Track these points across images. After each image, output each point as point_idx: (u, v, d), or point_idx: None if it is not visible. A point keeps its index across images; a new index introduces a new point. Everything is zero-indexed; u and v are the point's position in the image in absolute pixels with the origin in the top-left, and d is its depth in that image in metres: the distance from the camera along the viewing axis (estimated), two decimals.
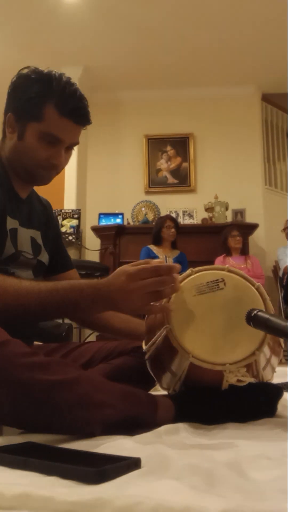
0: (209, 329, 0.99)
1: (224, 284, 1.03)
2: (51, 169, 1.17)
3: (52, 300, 1.00)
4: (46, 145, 1.13)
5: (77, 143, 1.19)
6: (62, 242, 1.43)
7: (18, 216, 1.21)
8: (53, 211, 1.42)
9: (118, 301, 0.98)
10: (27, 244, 1.24)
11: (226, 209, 5.08)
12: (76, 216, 4.93)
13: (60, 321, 1.83)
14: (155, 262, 0.99)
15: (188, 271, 1.06)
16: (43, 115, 1.10)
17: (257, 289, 1.03)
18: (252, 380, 1.00)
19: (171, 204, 5.35)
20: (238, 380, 0.98)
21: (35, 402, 0.82)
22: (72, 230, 4.84)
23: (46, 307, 1.01)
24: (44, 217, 1.34)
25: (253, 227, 5.03)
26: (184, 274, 1.07)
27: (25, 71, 1.15)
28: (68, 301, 1.01)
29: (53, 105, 1.10)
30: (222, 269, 1.05)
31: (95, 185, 5.36)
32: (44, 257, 1.30)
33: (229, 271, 1.05)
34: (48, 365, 0.85)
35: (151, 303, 1.00)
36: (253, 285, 1.03)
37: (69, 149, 1.18)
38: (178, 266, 0.99)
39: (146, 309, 1.01)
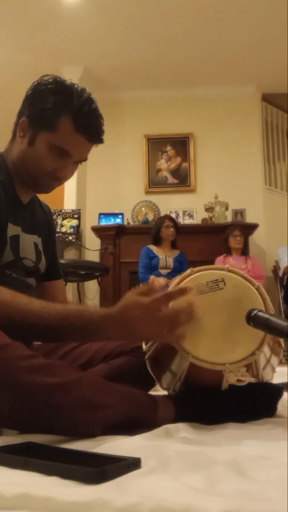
0: (209, 329, 0.99)
1: (224, 284, 1.03)
2: (55, 180, 1.16)
3: (60, 325, 0.97)
4: (54, 156, 1.11)
5: (85, 159, 1.17)
6: (56, 251, 1.41)
7: (21, 222, 1.20)
8: (53, 211, 1.42)
9: (133, 331, 0.96)
10: (31, 250, 1.23)
11: (226, 209, 5.08)
12: (76, 216, 4.93)
13: None
14: (159, 283, 0.99)
15: (188, 271, 1.06)
16: (57, 127, 1.09)
17: (257, 289, 1.03)
18: (252, 380, 1.00)
19: (171, 204, 5.35)
20: (238, 380, 0.98)
21: (35, 404, 0.83)
22: (72, 230, 4.84)
23: (53, 331, 0.98)
24: (45, 223, 1.33)
25: (253, 227, 5.03)
26: (184, 274, 1.07)
27: (47, 78, 1.13)
28: (76, 329, 0.97)
29: (69, 119, 1.08)
30: (222, 269, 1.05)
31: (95, 185, 5.36)
32: (42, 264, 1.29)
33: (229, 271, 1.05)
34: (48, 368, 0.85)
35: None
36: (253, 285, 1.03)
37: (76, 163, 1.17)
38: (190, 288, 0.98)
39: (162, 337, 0.98)
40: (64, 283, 1.46)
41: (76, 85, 1.12)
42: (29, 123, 1.13)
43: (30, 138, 1.13)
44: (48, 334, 1.00)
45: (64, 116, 1.08)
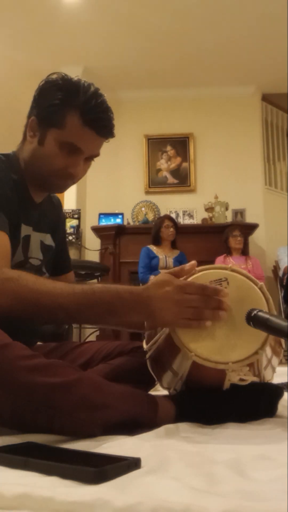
0: (211, 328, 0.99)
1: (227, 283, 1.02)
2: (67, 178, 1.15)
3: (87, 301, 0.96)
4: (65, 153, 1.11)
5: (97, 155, 1.16)
6: (66, 243, 1.42)
7: (32, 221, 1.21)
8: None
9: (156, 310, 0.94)
10: (36, 248, 1.23)
11: (226, 209, 5.08)
12: (76, 216, 4.93)
13: None
14: (192, 265, 0.99)
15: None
16: (65, 123, 1.08)
17: (260, 288, 1.02)
18: (255, 379, 1.00)
19: (171, 204, 5.35)
20: (241, 379, 0.98)
21: (35, 404, 0.83)
22: (72, 230, 4.85)
23: (81, 308, 0.97)
24: (54, 217, 1.33)
25: (253, 227, 5.03)
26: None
27: (54, 76, 1.12)
28: (103, 303, 0.96)
29: (77, 114, 1.08)
30: (225, 269, 1.05)
31: (95, 185, 5.36)
32: (50, 259, 1.29)
33: (232, 270, 1.04)
34: (48, 368, 0.85)
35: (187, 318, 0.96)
36: (256, 284, 1.03)
37: (88, 160, 1.16)
38: (225, 291, 0.96)
39: (182, 323, 0.97)
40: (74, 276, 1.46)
41: (83, 81, 1.11)
42: (38, 122, 1.12)
43: (40, 137, 1.12)
44: (75, 313, 0.98)
45: (71, 111, 1.08)
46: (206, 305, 0.95)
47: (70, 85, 1.10)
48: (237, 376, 0.97)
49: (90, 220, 5.22)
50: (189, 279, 1.04)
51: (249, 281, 1.03)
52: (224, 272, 1.04)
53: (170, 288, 0.94)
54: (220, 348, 0.98)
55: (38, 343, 1.37)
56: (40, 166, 1.14)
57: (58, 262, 1.36)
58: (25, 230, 1.18)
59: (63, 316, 1.00)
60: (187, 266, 1.01)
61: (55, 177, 1.14)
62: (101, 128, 1.11)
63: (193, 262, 1.02)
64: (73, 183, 1.18)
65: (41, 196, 1.24)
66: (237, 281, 1.03)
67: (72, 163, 1.12)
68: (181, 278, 1.03)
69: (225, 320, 0.98)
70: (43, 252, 1.26)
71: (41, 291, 0.96)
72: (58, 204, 1.38)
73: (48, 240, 1.29)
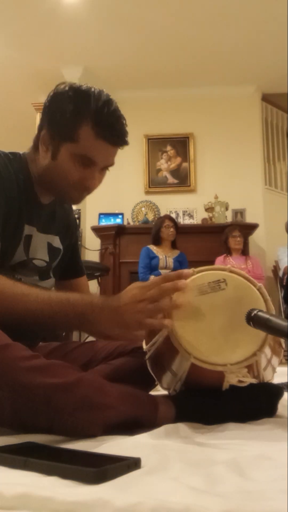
0: (210, 330, 0.99)
1: (226, 284, 1.02)
2: (83, 191, 1.14)
3: (61, 309, 0.98)
4: (79, 166, 1.09)
5: (112, 164, 1.15)
6: (78, 247, 1.41)
7: (36, 222, 1.19)
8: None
9: (125, 317, 0.95)
10: (43, 250, 1.22)
11: (226, 209, 5.08)
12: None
13: None
14: (188, 272, 1.00)
15: (190, 271, 1.06)
16: (78, 136, 1.06)
17: (259, 289, 1.02)
18: (253, 381, 0.99)
19: (171, 204, 5.35)
20: (239, 381, 0.98)
21: (36, 405, 0.83)
22: None
23: (54, 316, 0.98)
24: (65, 221, 1.32)
25: (253, 227, 5.03)
26: None
27: (62, 86, 1.09)
28: (75, 313, 0.98)
29: (89, 126, 1.05)
30: (224, 270, 1.05)
31: None
32: (57, 261, 1.29)
33: (231, 271, 1.04)
34: (48, 368, 0.86)
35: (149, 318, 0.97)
36: (255, 285, 1.03)
37: (103, 169, 1.14)
38: (187, 271, 0.98)
39: (144, 323, 0.97)
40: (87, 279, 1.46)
41: (92, 89, 1.08)
42: (50, 136, 1.10)
43: (53, 152, 1.10)
44: (50, 321, 1.00)
45: (83, 124, 1.05)
46: (163, 294, 0.95)
47: (80, 96, 1.07)
48: (236, 377, 0.97)
49: (90, 220, 5.22)
50: (187, 281, 1.04)
51: (247, 282, 1.03)
52: (222, 273, 1.04)
53: (134, 291, 0.95)
54: (218, 350, 0.98)
55: (40, 343, 1.37)
56: (55, 181, 1.12)
57: (70, 265, 1.35)
58: (27, 230, 1.17)
59: (36, 322, 1.01)
60: (185, 273, 1.00)
61: (71, 190, 1.13)
62: (115, 138, 1.09)
63: (180, 271, 1.01)
64: (89, 193, 1.17)
65: (48, 198, 1.22)
66: (236, 282, 1.03)
67: (88, 176, 1.11)
68: None
69: (223, 321, 0.98)
70: (50, 254, 1.25)
71: (16, 296, 0.98)
72: (70, 208, 1.37)
73: (56, 242, 1.28)
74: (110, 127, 1.07)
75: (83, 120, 1.05)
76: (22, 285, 1.03)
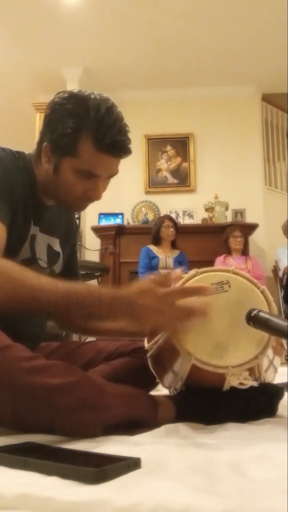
0: (212, 332, 0.98)
1: (229, 286, 1.02)
2: (87, 201, 1.14)
3: (66, 301, 0.93)
4: (82, 180, 1.08)
5: (115, 173, 1.12)
6: (76, 250, 1.40)
7: (39, 222, 1.19)
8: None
9: (141, 317, 0.93)
10: (43, 251, 1.22)
11: (226, 209, 5.08)
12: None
13: None
14: (176, 274, 0.97)
15: (193, 272, 1.05)
16: (78, 152, 1.04)
17: (262, 292, 1.02)
18: (254, 383, 0.99)
19: (171, 204, 5.35)
20: (240, 383, 0.98)
21: (36, 406, 0.83)
22: None
23: (59, 307, 0.94)
24: (67, 224, 1.32)
25: (253, 227, 5.03)
26: (189, 275, 1.05)
27: (63, 95, 1.07)
28: (81, 306, 0.94)
29: (89, 141, 1.02)
30: (227, 271, 1.04)
31: None
32: (57, 266, 1.28)
33: (234, 273, 1.04)
34: (49, 369, 0.86)
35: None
36: (258, 288, 1.02)
37: (107, 178, 1.13)
38: (208, 288, 0.95)
39: (166, 328, 0.97)
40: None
41: (93, 97, 1.05)
42: (51, 149, 1.08)
43: (55, 165, 1.09)
44: (55, 312, 0.97)
45: (83, 138, 1.03)
46: (191, 311, 0.93)
47: (79, 107, 1.03)
48: (237, 380, 0.97)
49: (90, 220, 5.22)
50: (190, 281, 1.03)
51: (251, 284, 1.03)
52: (226, 274, 1.03)
53: (150, 299, 0.91)
54: (220, 352, 0.98)
55: (44, 343, 1.37)
56: (58, 193, 1.12)
57: (65, 267, 1.34)
58: (32, 229, 1.17)
59: (41, 311, 0.98)
60: (174, 276, 0.98)
61: (74, 201, 1.13)
62: (116, 151, 1.06)
63: (179, 270, 1.00)
64: (92, 202, 1.16)
65: (52, 200, 1.21)
66: (239, 284, 1.02)
67: (90, 188, 1.09)
68: (180, 281, 1.03)
69: (226, 323, 0.98)
70: (48, 257, 1.24)
71: (23, 281, 0.92)
72: (72, 213, 1.37)
73: (56, 246, 1.27)
74: (112, 139, 1.03)
75: (83, 135, 1.03)
76: (30, 271, 0.98)
